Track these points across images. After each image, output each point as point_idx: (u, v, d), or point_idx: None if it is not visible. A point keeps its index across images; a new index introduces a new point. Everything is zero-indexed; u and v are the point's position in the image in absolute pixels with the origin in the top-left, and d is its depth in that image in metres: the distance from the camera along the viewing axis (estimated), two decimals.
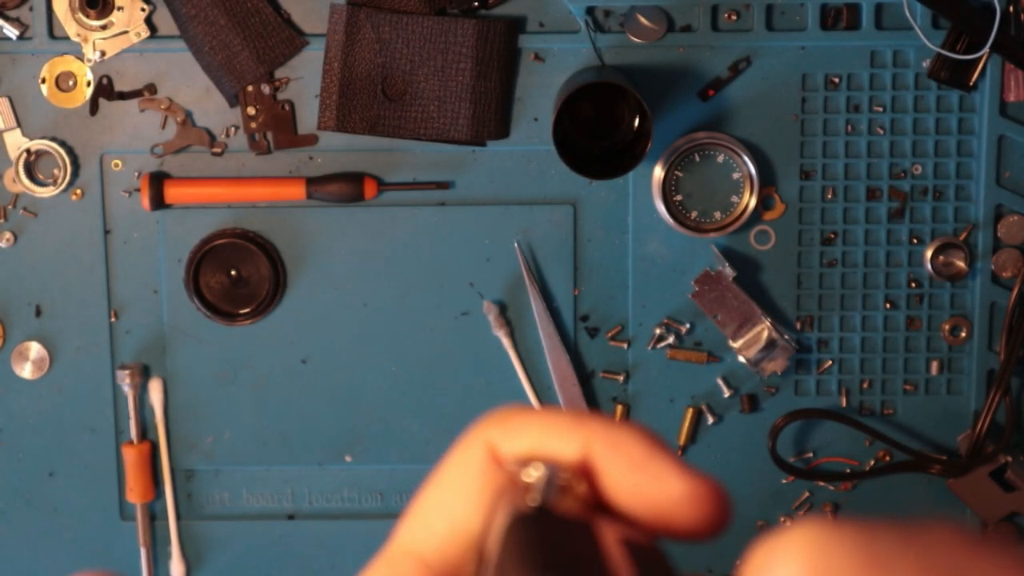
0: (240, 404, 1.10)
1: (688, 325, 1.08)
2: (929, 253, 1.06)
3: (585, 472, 0.37)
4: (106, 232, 1.07)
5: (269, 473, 1.10)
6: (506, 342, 1.07)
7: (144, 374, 1.09)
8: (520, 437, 0.38)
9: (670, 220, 1.06)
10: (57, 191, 1.06)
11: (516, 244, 1.07)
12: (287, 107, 1.06)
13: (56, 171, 1.06)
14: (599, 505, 0.38)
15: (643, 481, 0.36)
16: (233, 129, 1.06)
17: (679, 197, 1.06)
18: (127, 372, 1.08)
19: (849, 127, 1.05)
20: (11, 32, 1.04)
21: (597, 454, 0.37)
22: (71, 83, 1.05)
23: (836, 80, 1.05)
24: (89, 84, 1.05)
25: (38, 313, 1.08)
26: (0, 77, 1.05)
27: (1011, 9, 1.02)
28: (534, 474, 0.36)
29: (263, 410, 1.10)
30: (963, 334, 1.07)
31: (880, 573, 0.31)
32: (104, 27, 1.04)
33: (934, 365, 1.08)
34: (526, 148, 1.06)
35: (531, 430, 0.38)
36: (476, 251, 1.07)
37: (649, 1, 1.04)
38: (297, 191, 1.05)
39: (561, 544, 0.34)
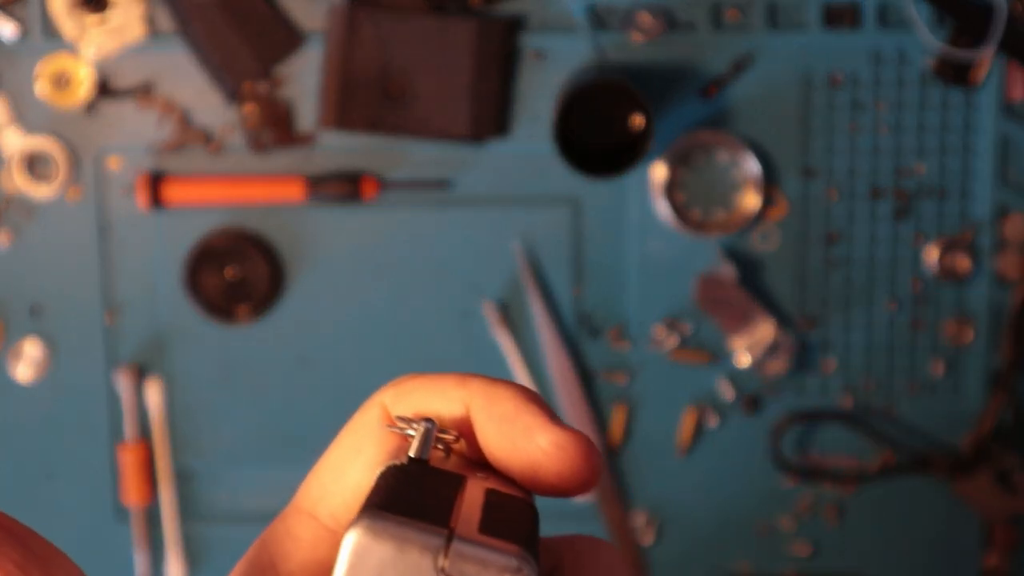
0: (239, 404, 1.09)
1: (690, 325, 1.07)
2: (933, 252, 1.06)
3: (466, 428, 0.38)
4: (103, 232, 1.07)
5: (268, 474, 1.10)
6: (506, 342, 1.07)
7: (141, 375, 1.08)
8: (410, 399, 0.39)
9: (672, 219, 1.05)
10: (54, 190, 1.06)
11: (516, 244, 1.07)
12: (286, 105, 1.05)
13: (53, 170, 1.06)
14: (480, 463, 0.39)
15: (513, 434, 0.37)
16: (231, 128, 1.06)
17: (681, 196, 1.06)
18: (124, 373, 1.07)
19: (852, 126, 1.05)
20: (7, 30, 1.03)
21: (475, 409, 0.38)
22: (67, 82, 1.04)
23: (839, 78, 1.04)
24: (86, 83, 1.04)
25: (35, 313, 1.08)
26: None
27: (1020, 7, 1.01)
28: (414, 429, 0.37)
29: (262, 410, 1.09)
30: (967, 334, 1.07)
31: None
32: (101, 25, 1.03)
33: (938, 365, 1.07)
34: (526, 147, 1.05)
35: (419, 392, 0.39)
36: (476, 251, 1.07)
37: None
38: (296, 190, 1.05)
39: (419, 489, 0.35)
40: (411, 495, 0.34)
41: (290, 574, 0.40)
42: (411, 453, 0.37)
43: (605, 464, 0.40)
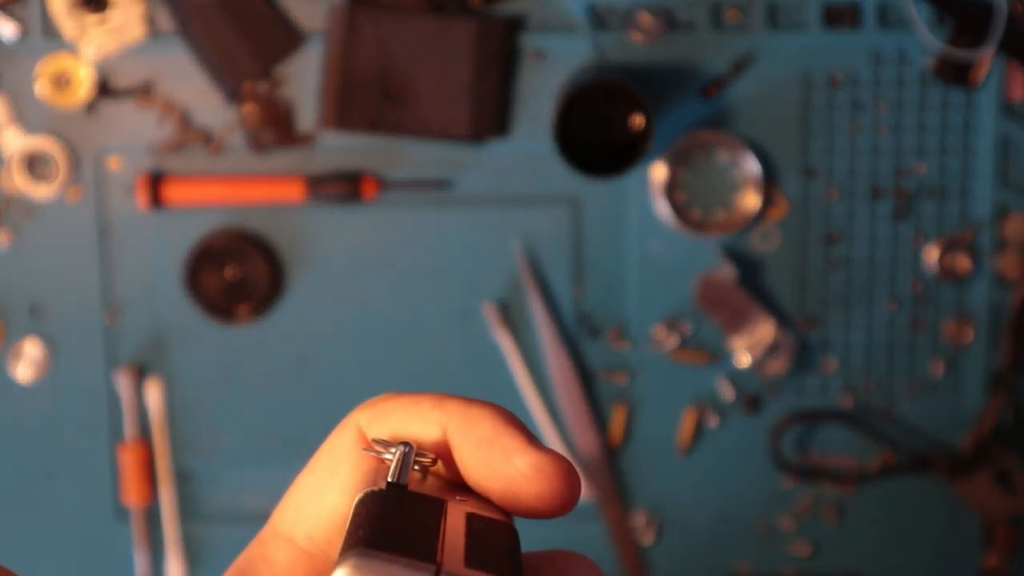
0: (239, 404, 1.09)
1: (690, 325, 1.07)
2: (933, 252, 1.06)
3: (443, 451, 0.38)
4: (103, 232, 1.07)
5: (268, 474, 1.10)
6: (506, 342, 1.07)
7: (141, 375, 1.08)
8: (386, 421, 0.39)
9: (672, 219, 1.05)
10: (54, 190, 1.06)
11: (516, 244, 1.07)
12: (285, 105, 1.05)
13: (53, 170, 1.06)
14: (458, 484, 0.39)
15: (491, 457, 0.37)
16: (231, 128, 1.06)
17: (681, 196, 1.06)
18: (124, 373, 1.07)
19: (852, 126, 1.05)
20: (7, 30, 1.03)
21: (452, 432, 0.38)
22: (67, 82, 1.04)
23: (839, 78, 1.04)
24: (86, 83, 1.04)
25: (35, 313, 1.08)
26: None
27: (1020, 7, 1.01)
28: (392, 452, 0.37)
29: (262, 410, 1.09)
30: (967, 334, 1.07)
31: None
32: (101, 25, 1.03)
33: (938, 365, 1.07)
34: (527, 147, 1.05)
35: (395, 414, 0.39)
36: (476, 251, 1.07)
37: None
38: (296, 190, 1.05)
39: (401, 518, 0.35)
40: (394, 526, 0.34)
41: None
42: (389, 478, 0.37)
43: (583, 485, 0.40)
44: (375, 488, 0.36)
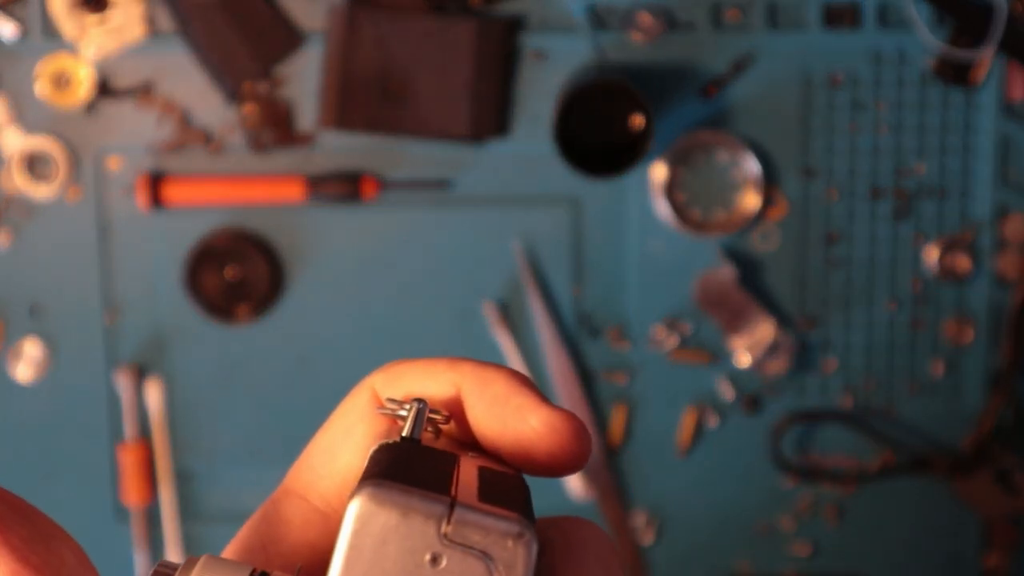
0: (239, 404, 1.09)
1: (690, 325, 1.07)
2: (933, 252, 1.06)
3: (457, 410, 0.39)
4: (103, 232, 1.07)
5: (268, 474, 1.09)
6: (506, 342, 1.07)
7: (141, 375, 1.08)
8: (401, 382, 0.40)
9: (672, 219, 1.05)
10: (54, 190, 1.06)
11: (516, 244, 1.07)
12: (285, 105, 1.05)
13: (53, 170, 1.06)
14: (470, 443, 0.39)
15: (505, 414, 0.38)
16: (231, 128, 1.06)
17: (681, 196, 1.06)
18: (124, 373, 1.07)
19: (852, 126, 1.05)
20: (7, 30, 1.03)
21: (466, 391, 0.39)
22: (67, 82, 1.04)
23: (839, 78, 1.04)
24: (86, 83, 1.04)
25: (35, 313, 1.08)
26: None
27: (1020, 7, 1.01)
28: (406, 409, 0.38)
29: (262, 410, 1.09)
30: (967, 334, 1.07)
31: None
32: (101, 25, 1.03)
33: (938, 365, 1.07)
34: (526, 147, 1.05)
35: (409, 375, 0.40)
36: (476, 251, 1.07)
37: None
38: (296, 190, 1.05)
39: (415, 465, 0.36)
40: (409, 468, 0.35)
41: (280, 556, 0.40)
42: (404, 432, 0.37)
43: (595, 444, 0.41)
44: (389, 440, 0.37)
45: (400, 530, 0.33)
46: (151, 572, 0.36)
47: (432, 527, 0.33)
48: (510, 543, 0.33)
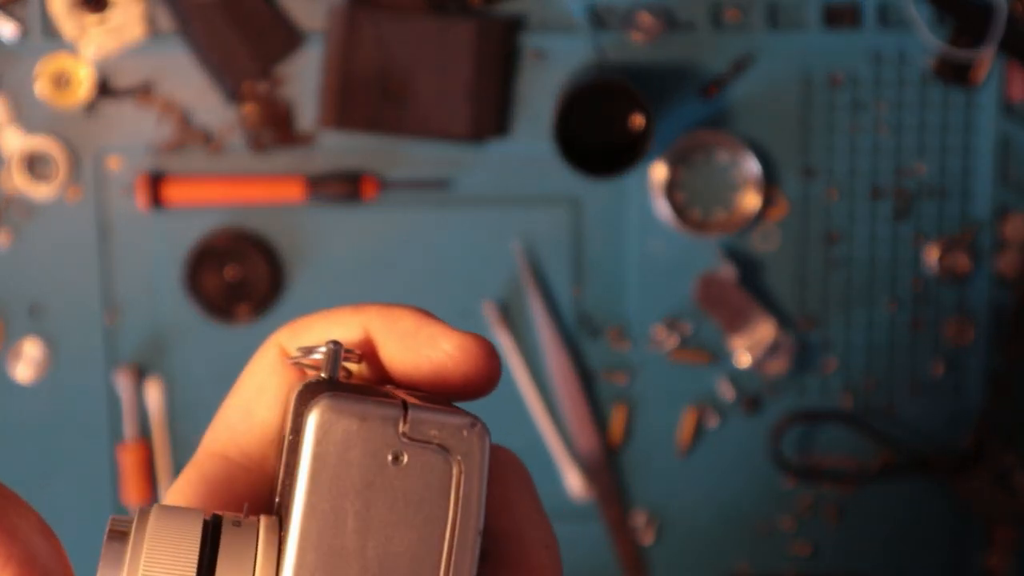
0: None
1: (690, 325, 1.07)
2: (933, 252, 1.06)
3: (367, 350, 0.40)
4: (103, 232, 1.07)
5: None
6: (506, 342, 1.07)
7: (141, 375, 1.08)
8: (307, 334, 0.41)
9: (672, 219, 1.05)
10: (54, 190, 1.06)
11: (516, 244, 1.07)
12: (285, 105, 1.05)
13: (52, 170, 1.06)
14: (383, 381, 0.41)
15: (417, 344, 0.39)
16: (231, 127, 1.05)
17: (681, 196, 1.06)
18: (124, 373, 1.07)
19: (852, 126, 1.05)
20: (6, 30, 1.03)
21: (375, 331, 0.40)
22: (67, 82, 1.04)
23: (839, 78, 1.04)
24: (86, 83, 1.04)
25: (34, 313, 1.08)
26: None
27: (1020, 7, 1.01)
28: (321, 351, 0.39)
29: None
30: (968, 334, 1.07)
31: None
32: (101, 25, 1.03)
33: (938, 365, 1.07)
34: (526, 147, 1.05)
35: (316, 326, 0.41)
36: (476, 251, 1.07)
37: None
38: (296, 190, 1.05)
39: (352, 390, 0.37)
40: (349, 391, 0.36)
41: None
42: (323, 373, 0.38)
43: (503, 364, 0.45)
44: (310, 380, 0.38)
45: (361, 434, 0.34)
46: (106, 531, 0.37)
47: (390, 428, 0.34)
48: (465, 433, 0.35)
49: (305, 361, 0.40)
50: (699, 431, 1.08)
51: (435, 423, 0.35)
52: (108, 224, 1.07)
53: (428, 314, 0.40)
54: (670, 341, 1.07)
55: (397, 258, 1.07)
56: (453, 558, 0.34)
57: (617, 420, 1.08)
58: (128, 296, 1.08)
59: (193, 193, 1.05)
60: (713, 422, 1.08)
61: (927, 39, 1.03)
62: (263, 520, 0.36)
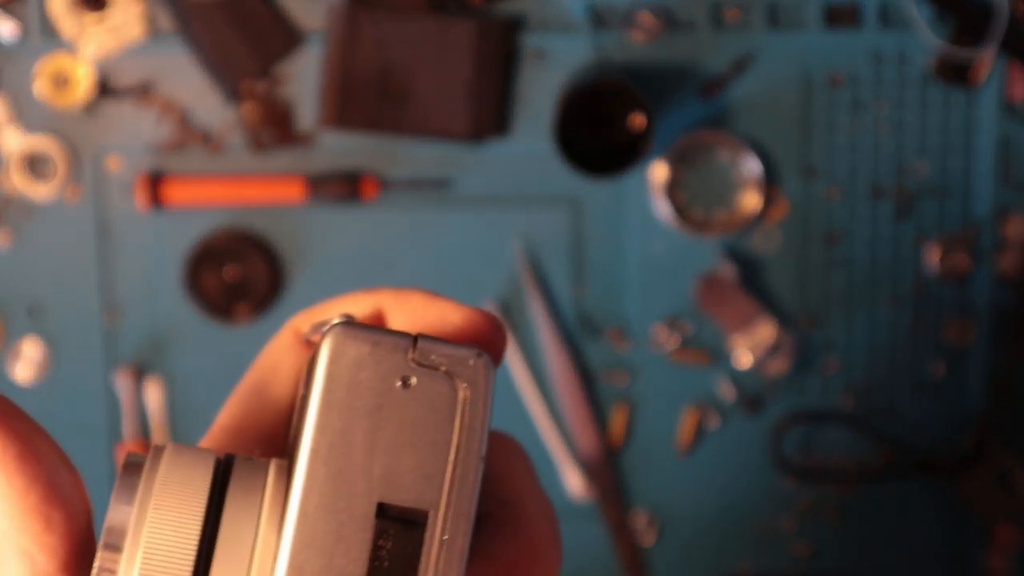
0: None
1: (690, 325, 1.07)
2: (934, 252, 1.06)
3: (379, 325, 0.42)
4: (103, 232, 1.07)
5: None
6: None
7: (141, 375, 1.08)
8: (321, 316, 0.42)
9: (672, 219, 1.05)
10: (53, 190, 1.06)
11: (516, 244, 1.06)
12: (285, 105, 1.05)
13: (52, 170, 1.05)
14: None
15: (427, 319, 0.41)
16: (231, 127, 1.05)
17: (681, 196, 1.05)
18: (124, 373, 1.07)
19: (853, 125, 1.05)
20: (5, 29, 1.03)
21: (387, 307, 0.42)
22: (67, 81, 1.04)
23: (840, 78, 1.04)
24: (85, 82, 1.04)
25: (33, 313, 1.07)
26: None
27: (1020, 6, 1.01)
28: (335, 322, 0.40)
29: None
30: (969, 334, 1.07)
31: None
32: (100, 24, 1.03)
33: (939, 365, 1.07)
34: (526, 147, 1.05)
35: (330, 308, 0.42)
36: (476, 251, 1.07)
37: None
38: (296, 190, 1.05)
39: None
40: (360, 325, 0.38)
41: None
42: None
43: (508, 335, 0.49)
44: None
45: (372, 357, 0.36)
46: (121, 465, 0.38)
47: (400, 354, 0.36)
48: (471, 361, 0.36)
49: (315, 338, 0.41)
50: (699, 431, 1.08)
51: (443, 352, 0.36)
52: (108, 224, 1.07)
53: (436, 293, 0.42)
54: (670, 341, 1.07)
55: (397, 258, 1.07)
56: (456, 480, 0.35)
57: (617, 420, 1.08)
58: (128, 296, 1.07)
59: (193, 193, 1.05)
60: (714, 422, 1.08)
61: (928, 39, 1.03)
62: (274, 460, 0.38)
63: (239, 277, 1.06)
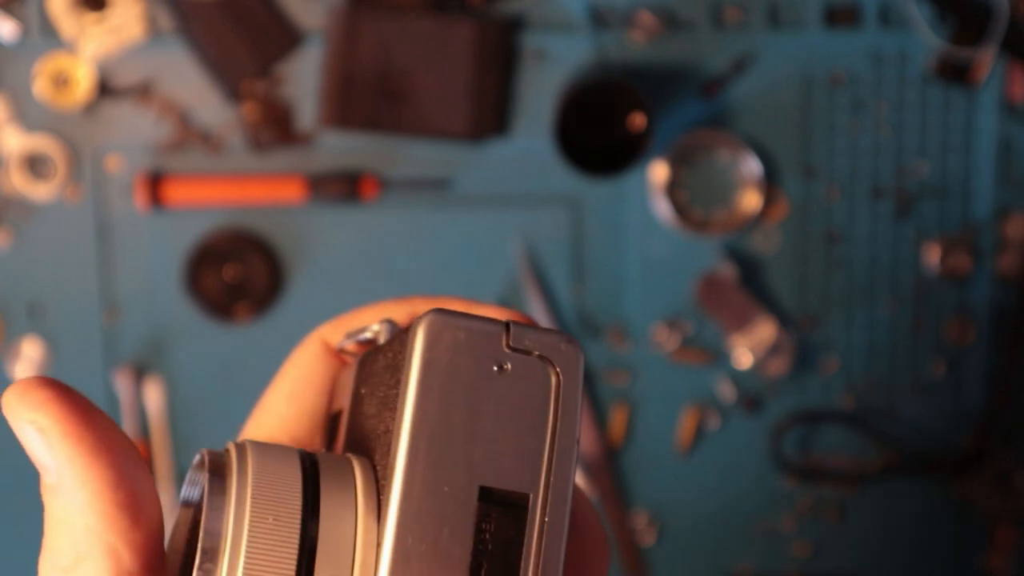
0: (239, 404, 1.09)
1: (690, 325, 1.07)
2: (934, 252, 1.06)
3: None
4: (102, 232, 1.07)
5: None
6: None
7: (141, 375, 1.08)
8: (352, 325, 0.42)
9: (672, 219, 1.05)
10: (53, 190, 1.06)
11: (516, 244, 1.06)
12: (285, 104, 1.05)
13: (52, 170, 1.05)
14: None
15: None
16: (230, 127, 1.05)
17: (681, 196, 1.05)
18: (123, 373, 1.07)
19: (853, 125, 1.05)
20: (5, 29, 1.03)
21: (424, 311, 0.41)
22: (66, 81, 1.04)
23: (840, 78, 1.04)
24: (85, 82, 1.04)
25: (33, 313, 1.07)
26: None
27: (1020, 6, 1.01)
28: (375, 328, 0.41)
29: None
30: (969, 334, 1.07)
31: None
32: (100, 24, 1.03)
33: (939, 365, 1.07)
34: (527, 146, 1.05)
35: (361, 316, 0.42)
36: (476, 251, 1.07)
37: None
38: (296, 190, 1.05)
39: None
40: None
41: None
42: (381, 342, 0.40)
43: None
44: (371, 349, 0.40)
45: (468, 342, 0.36)
46: (196, 461, 0.37)
47: (495, 340, 0.36)
48: (563, 346, 0.36)
49: (349, 347, 0.41)
50: (699, 431, 1.08)
51: (535, 337, 0.36)
52: (107, 224, 1.07)
53: (473, 300, 0.42)
54: (670, 341, 1.07)
55: (397, 258, 1.07)
56: (554, 464, 0.36)
57: (617, 420, 1.08)
58: (127, 296, 1.07)
59: (192, 193, 1.05)
60: (714, 422, 1.08)
61: (928, 39, 1.03)
62: (351, 454, 0.38)
63: (239, 277, 1.06)
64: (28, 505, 1.10)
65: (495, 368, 0.36)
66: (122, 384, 1.08)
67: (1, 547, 1.10)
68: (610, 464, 1.09)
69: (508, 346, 0.36)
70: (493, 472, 0.35)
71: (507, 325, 0.36)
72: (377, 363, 0.39)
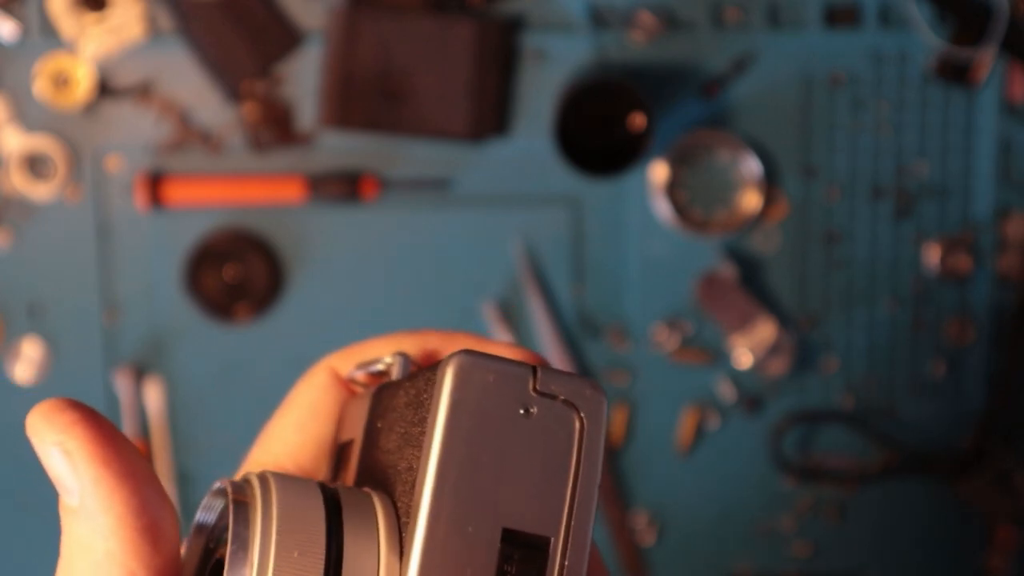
0: (239, 404, 1.09)
1: (690, 325, 1.07)
2: (934, 252, 1.06)
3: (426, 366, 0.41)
4: (102, 232, 1.07)
5: None
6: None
7: (141, 375, 1.08)
8: (362, 356, 0.42)
9: (672, 219, 1.05)
10: (53, 190, 1.06)
11: (516, 244, 1.06)
12: (285, 104, 1.05)
13: (52, 170, 1.05)
14: None
15: None
16: (230, 127, 1.05)
17: (681, 196, 1.05)
18: (123, 373, 1.07)
19: (853, 125, 1.05)
20: (5, 29, 1.03)
21: (436, 348, 0.42)
22: (66, 81, 1.04)
23: (840, 78, 1.04)
24: (85, 82, 1.04)
25: (33, 313, 1.07)
26: None
27: (1020, 6, 1.01)
28: (388, 360, 0.41)
29: (262, 410, 1.09)
30: (969, 334, 1.07)
31: None
32: (100, 24, 1.03)
33: (939, 365, 1.07)
34: (527, 146, 1.05)
35: (371, 348, 0.42)
36: (476, 251, 1.07)
37: None
38: (296, 190, 1.05)
39: None
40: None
41: None
42: (394, 377, 0.40)
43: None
44: (385, 382, 0.40)
45: (496, 385, 0.36)
46: (216, 488, 0.38)
47: (523, 383, 0.36)
48: (588, 392, 0.37)
49: (359, 378, 0.41)
50: (699, 431, 1.08)
51: (561, 382, 0.37)
52: (107, 224, 1.07)
53: (483, 337, 0.42)
54: (670, 341, 1.07)
55: (397, 258, 1.07)
56: (576, 508, 0.36)
57: (617, 420, 1.08)
58: (127, 296, 1.07)
59: (192, 193, 1.05)
60: (714, 422, 1.08)
61: (928, 39, 1.03)
62: (370, 490, 0.38)
63: (239, 277, 1.06)
64: (28, 506, 1.10)
65: (521, 411, 0.36)
66: (122, 384, 1.08)
67: (1, 547, 1.10)
68: (610, 464, 1.09)
69: (535, 390, 0.36)
70: (516, 515, 0.35)
71: (534, 369, 0.36)
72: (397, 398, 0.39)
